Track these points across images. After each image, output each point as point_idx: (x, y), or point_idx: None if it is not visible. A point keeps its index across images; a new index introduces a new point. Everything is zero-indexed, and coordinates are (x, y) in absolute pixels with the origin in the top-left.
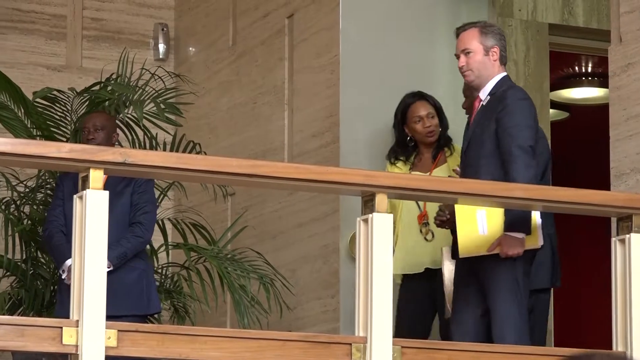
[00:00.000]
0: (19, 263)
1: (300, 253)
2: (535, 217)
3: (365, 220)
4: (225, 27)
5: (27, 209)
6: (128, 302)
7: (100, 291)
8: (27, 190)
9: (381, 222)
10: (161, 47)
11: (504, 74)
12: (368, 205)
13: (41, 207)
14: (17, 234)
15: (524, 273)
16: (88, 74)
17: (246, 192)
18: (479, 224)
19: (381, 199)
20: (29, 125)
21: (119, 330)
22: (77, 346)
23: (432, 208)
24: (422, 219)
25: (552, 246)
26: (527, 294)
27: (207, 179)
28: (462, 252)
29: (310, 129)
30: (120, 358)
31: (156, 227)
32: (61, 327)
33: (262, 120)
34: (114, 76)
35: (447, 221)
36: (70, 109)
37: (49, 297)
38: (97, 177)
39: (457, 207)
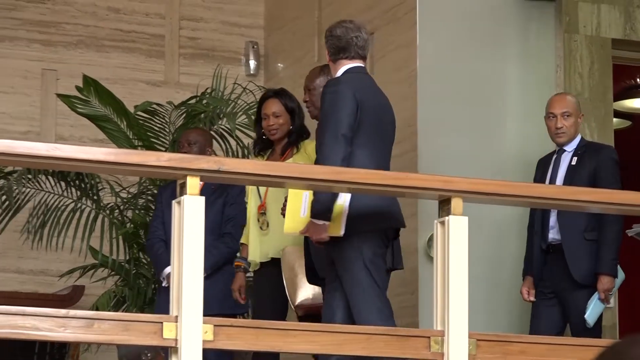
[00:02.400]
0: (123, 263)
1: None
2: (344, 205)
3: (442, 223)
4: (311, 44)
5: (129, 213)
6: (219, 302)
7: (198, 288)
8: (130, 196)
9: (457, 224)
10: (252, 63)
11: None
12: (444, 208)
13: (142, 211)
14: (120, 237)
15: (374, 254)
16: (185, 89)
17: None
18: (303, 206)
19: (457, 203)
20: (130, 136)
21: (215, 325)
22: (176, 340)
23: (272, 199)
24: (261, 209)
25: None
26: (379, 274)
27: (294, 185)
28: (286, 230)
29: None
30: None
31: None
32: (161, 323)
33: None
34: (208, 90)
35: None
36: (168, 121)
37: (150, 295)
38: (193, 183)
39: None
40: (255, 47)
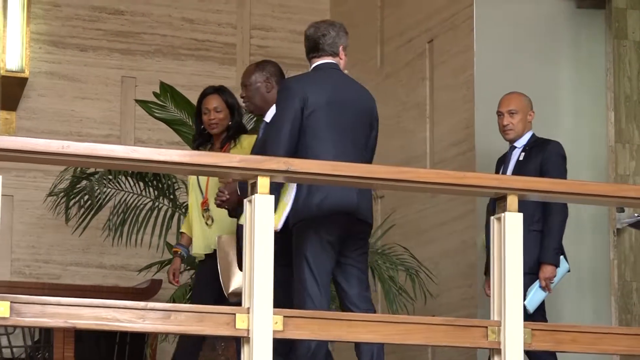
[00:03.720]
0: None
1: (442, 248)
2: (285, 200)
3: (499, 219)
4: (374, 51)
5: None
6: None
7: (268, 282)
8: None
9: (512, 220)
10: None
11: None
12: (500, 205)
13: None
14: None
15: (314, 246)
16: None
17: (394, 195)
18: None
19: (512, 200)
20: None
21: (284, 316)
22: (248, 330)
23: (212, 194)
24: (204, 205)
25: None
26: (323, 265)
27: (359, 184)
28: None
29: (449, 139)
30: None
31: None
32: (234, 314)
33: (406, 133)
34: None
35: (227, 201)
36: None
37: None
38: (264, 183)
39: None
40: None
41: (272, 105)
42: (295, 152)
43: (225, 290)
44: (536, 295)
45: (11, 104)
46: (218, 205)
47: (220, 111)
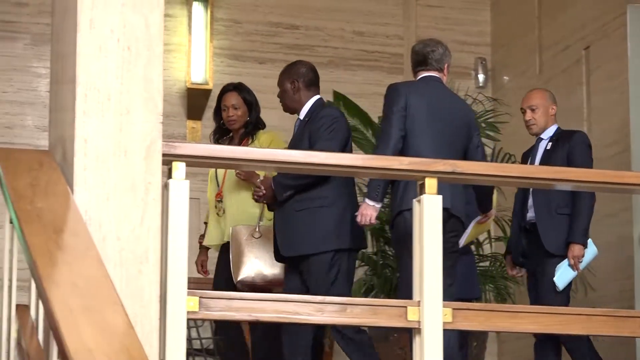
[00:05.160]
0: (371, 255)
1: (601, 242)
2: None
3: None
4: (533, 59)
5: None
6: (459, 286)
7: (437, 275)
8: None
9: None
10: (481, 77)
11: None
12: None
13: (387, 209)
14: (369, 232)
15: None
16: None
17: None
18: None
19: None
20: (375, 144)
21: (453, 309)
22: (419, 322)
23: (228, 189)
24: (218, 196)
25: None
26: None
27: (520, 184)
28: None
29: (606, 140)
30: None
31: None
32: (406, 307)
33: None
34: None
35: (264, 196)
36: None
37: (395, 283)
38: (431, 184)
39: None
40: (483, 62)
41: (303, 104)
42: (401, 152)
43: (234, 278)
44: (564, 273)
45: (197, 114)
46: (256, 200)
47: (238, 108)
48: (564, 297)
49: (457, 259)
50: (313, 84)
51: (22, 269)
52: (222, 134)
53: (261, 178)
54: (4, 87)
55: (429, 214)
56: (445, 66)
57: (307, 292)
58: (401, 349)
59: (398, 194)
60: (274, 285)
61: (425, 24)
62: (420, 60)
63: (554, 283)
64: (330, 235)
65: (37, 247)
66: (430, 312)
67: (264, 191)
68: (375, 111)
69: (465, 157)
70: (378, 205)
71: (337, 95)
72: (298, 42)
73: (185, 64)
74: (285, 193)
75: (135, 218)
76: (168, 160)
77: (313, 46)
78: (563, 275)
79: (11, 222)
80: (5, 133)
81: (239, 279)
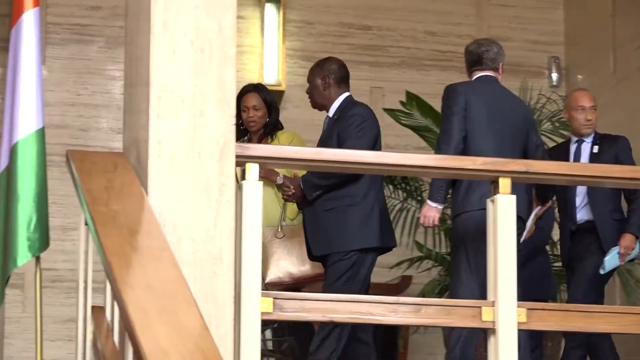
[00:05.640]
0: (445, 255)
1: None
2: None
3: None
4: (607, 57)
5: (449, 211)
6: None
7: (512, 276)
8: (449, 196)
9: None
10: (554, 76)
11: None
12: None
13: None
14: (442, 232)
15: (479, 237)
16: None
17: None
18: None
19: None
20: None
21: (528, 309)
22: (493, 322)
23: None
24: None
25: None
26: (480, 255)
27: (595, 183)
28: None
29: None
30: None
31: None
32: (480, 307)
33: None
34: None
35: (293, 195)
36: None
37: None
38: (505, 184)
39: None
40: (557, 61)
41: (332, 101)
42: (462, 151)
43: (262, 280)
44: (613, 259)
45: None
46: (285, 200)
47: (259, 109)
48: (599, 286)
49: (523, 258)
50: (344, 81)
51: (97, 270)
52: (239, 135)
53: (280, 176)
54: (78, 90)
55: (502, 213)
56: (500, 65)
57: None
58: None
59: (459, 196)
60: (303, 282)
61: (497, 23)
62: (475, 60)
63: (592, 279)
64: (357, 234)
65: (112, 248)
66: (504, 312)
67: (293, 190)
68: None
69: (525, 156)
70: (440, 207)
71: (410, 95)
72: (370, 42)
73: (258, 65)
74: (315, 192)
75: (209, 219)
76: (241, 161)
77: (385, 46)
78: (611, 260)
79: (86, 224)
80: (80, 135)
81: (267, 281)
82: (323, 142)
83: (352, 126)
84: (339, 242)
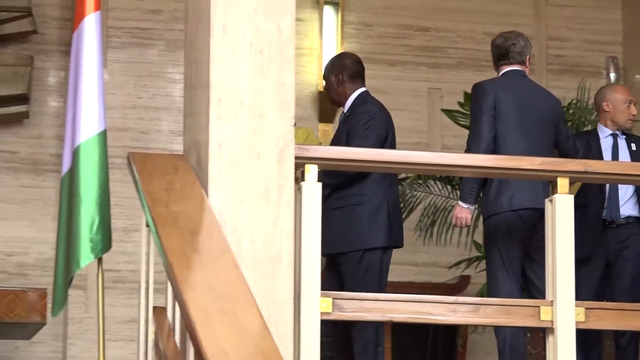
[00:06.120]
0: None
1: None
2: None
3: None
4: None
5: None
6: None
7: (570, 275)
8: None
9: None
10: (612, 76)
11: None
12: None
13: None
14: None
15: (512, 237)
16: None
17: None
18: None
19: None
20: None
21: (586, 308)
22: (552, 321)
23: None
24: None
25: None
26: (514, 255)
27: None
28: None
29: None
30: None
31: None
32: (539, 307)
33: None
34: (574, 102)
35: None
36: None
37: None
38: (563, 184)
39: None
40: (614, 61)
41: (347, 97)
42: (492, 151)
43: None
44: None
45: (328, 117)
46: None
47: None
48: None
49: None
50: (358, 76)
51: (159, 271)
52: None
53: None
54: (139, 93)
55: (561, 213)
56: (527, 58)
57: (342, 289)
58: (534, 349)
59: (489, 197)
60: None
61: (555, 23)
62: (501, 54)
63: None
64: (364, 233)
65: (173, 250)
66: (563, 311)
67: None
68: None
69: (557, 148)
70: (472, 208)
71: (468, 96)
72: (428, 44)
73: (317, 67)
74: (325, 191)
75: (268, 220)
76: (301, 163)
77: (443, 48)
78: None
79: (147, 226)
80: (141, 138)
81: None
82: (335, 141)
83: (359, 124)
84: (345, 242)
